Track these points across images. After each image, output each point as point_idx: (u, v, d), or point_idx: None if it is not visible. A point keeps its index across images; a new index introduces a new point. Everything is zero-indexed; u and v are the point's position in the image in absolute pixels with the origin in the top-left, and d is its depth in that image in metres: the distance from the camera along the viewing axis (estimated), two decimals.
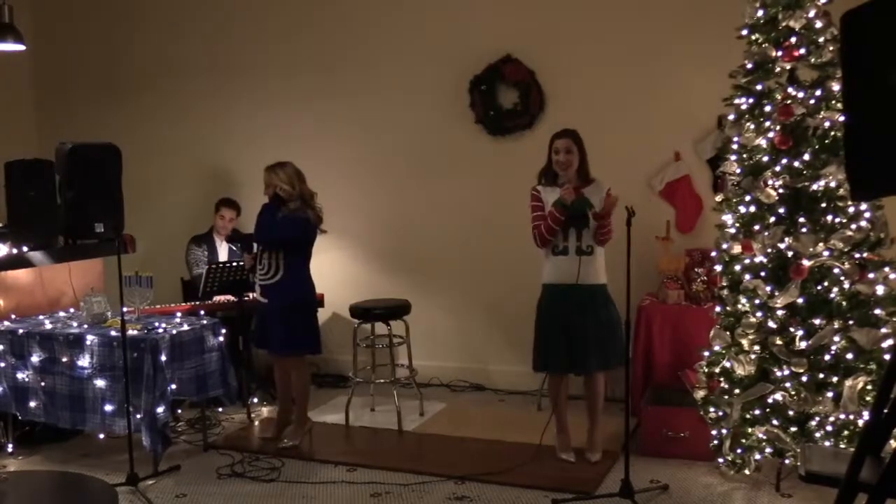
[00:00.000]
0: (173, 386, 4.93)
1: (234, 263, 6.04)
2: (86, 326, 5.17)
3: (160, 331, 5.00)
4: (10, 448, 5.23)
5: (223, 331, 5.33)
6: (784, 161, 4.35)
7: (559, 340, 4.82)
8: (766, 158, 4.42)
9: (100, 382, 4.93)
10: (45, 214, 5.43)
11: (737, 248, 4.51)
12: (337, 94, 6.87)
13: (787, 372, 4.29)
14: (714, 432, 4.59)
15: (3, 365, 5.18)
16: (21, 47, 6.17)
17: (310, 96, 6.96)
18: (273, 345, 5.32)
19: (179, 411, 5.78)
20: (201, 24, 7.28)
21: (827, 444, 4.22)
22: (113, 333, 4.93)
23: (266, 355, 5.83)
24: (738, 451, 4.47)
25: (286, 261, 5.19)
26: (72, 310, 5.65)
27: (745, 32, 4.51)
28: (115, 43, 7.61)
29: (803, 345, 4.27)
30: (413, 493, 4.60)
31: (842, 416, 4.21)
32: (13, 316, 5.43)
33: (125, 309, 4.80)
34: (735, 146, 4.55)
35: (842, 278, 4.27)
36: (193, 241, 6.65)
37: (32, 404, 5.13)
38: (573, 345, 4.79)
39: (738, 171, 4.54)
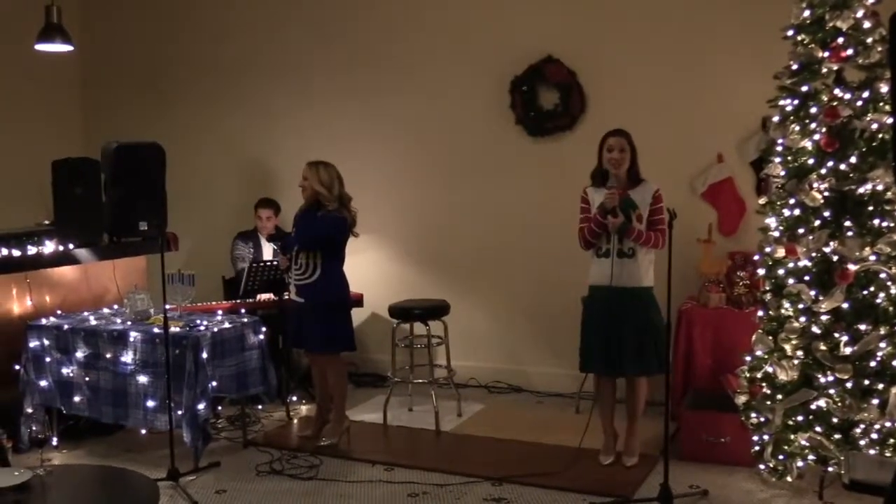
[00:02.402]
0: (214, 383, 4.98)
1: (275, 262, 6.08)
2: (129, 323, 5.24)
3: (202, 328, 5.05)
4: (54, 441, 5.32)
5: (263, 329, 5.38)
6: (830, 164, 4.28)
7: (598, 341, 4.82)
8: (811, 161, 4.35)
9: (142, 378, 4.99)
10: (91, 212, 5.52)
11: (780, 252, 4.45)
12: (378, 95, 6.90)
13: (831, 378, 4.22)
14: (755, 438, 4.54)
15: (48, 360, 5.27)
16: (69, 48, 6.28)
17: (351, 96, 6.99)
18: (310, 344, 5.35)
19: (220, 408, 5.84)
20: (245, 25, 7.35)
21: (872, 452, 4.14)
22: (156, 330, 4.99)
23: (305, 354, 5.87)
24: (780, 457, 4.41)
25: (323, 260, 5.23)
26: (116, 306, 5.73)
27: (790, 33, 4.45)
28: (160, 43, 7.71)
29: (848, 350, 4.20)
30: (450, 494, 4.60)
31: (888, 424, 4.13)
32: (59, 312, 5.52)
33: (168, 306, 4.86)
34: (779, 148, 4.49)
35: (888, 283, 4.20)
36: (239, 237, 6.72)
37: (76, 399, 5.21)
38: (610, 347, 4.77)
39: (783, 173, 4.48)
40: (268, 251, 6.66)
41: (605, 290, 4.77)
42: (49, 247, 5.35)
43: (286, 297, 6.02)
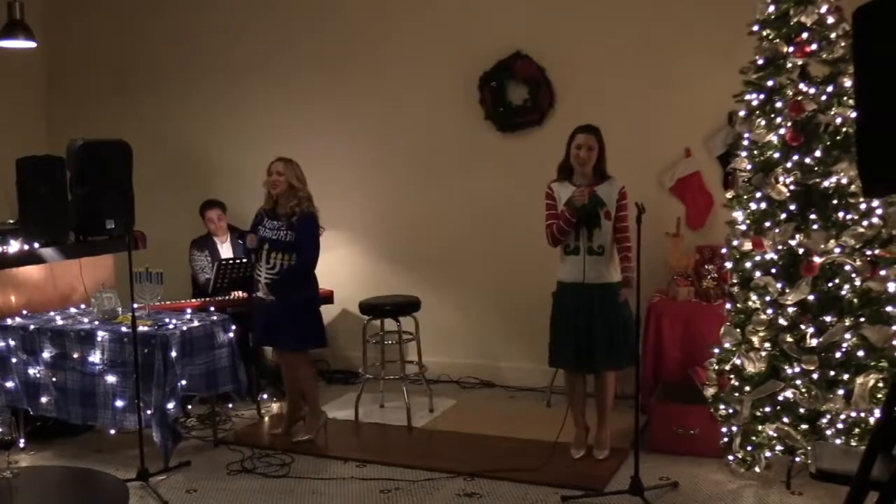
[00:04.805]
0: (183, 382, 4.95)
1: (244, 260, 6.04)
2: (97, 322, 5.18)
3: (170, 327, 5.01)
4: (21, 443, 5.24)
5: (233, 327, 5.34)
6: (795, 157, 4.34)
7: (569, 338, 4.83)
8: (777, 155, 4.40)
9: (111, 378, 4.94)
10: (57, 211, 5.45)
11: (747, 245, 4.49)
12: (348, 93, 6.87)
13: (797, 369, 4.28)
14: (724, 430, 4.58)
15: (14, 361, 5.20)
16: (32, 44, 6.20)
17: (320, 95, 6.95)
18: (282, 342, 5.33)
19: (190, 407, 5.78)
20: (213, 24, 7.28)
21: (838, 441, 4.20)
22: (124, 329, 4.94)
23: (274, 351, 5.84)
24: (749, 448, 4.46)
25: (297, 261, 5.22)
26: (83, 306, 5.67)
27: (756, 28, 4.49)
28: (126, 40, 7.62)
29: (814, 342, 4.26)
30: (422, 490, 4.60)
31: (853, 414, 4.19)
32: (25, 312, 5.45)
33: (136, 305, 4.82)
34: (746, 142, 4.54)
35: (853, 275, 4.26)
36: (194, 245, 6.64)
37: (44, 400, 5.15)
38: (580, 344, 4.79)
39: (749, 167, 4.52)
40: (225, 253, 6.60)
41: (577, 287, 4.77)
42: (14, 246, 5.27)
43: (256, 294, 5.99)
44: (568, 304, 4.86)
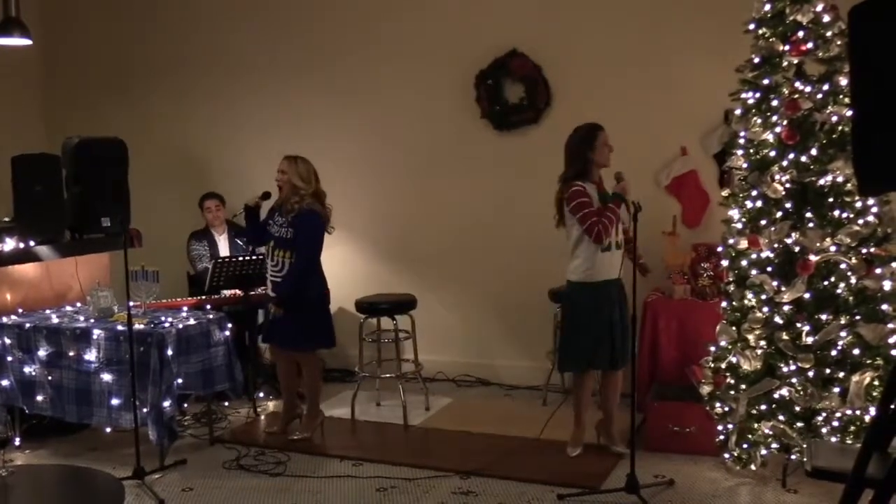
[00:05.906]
0: (179, 380, 4.94)
1: (241, 258, 6.04)
2: (92, 321, 5.17)
3: (166, 325, 5.00)
4: (17, 442, 5.24)
5: (229, 325, 5.34)
6: (791, 156, 4.34)
7: (605, 338, 4.79)
8: (772, 153, 4.41)
9: (106, 376, 4.94)
10: (52, 209, 5.44)
11: (743, 244, 4.50)
12: (344, 91, 6.87)
13: (793, 367, 4.28)
14: (720, 428, 4.59)
15: (10, 359, 5.19)
16: (27, 42, 6.18)
17: (316, 93, 6.95)
18: (287, 340, 5.33)
19: (185, 405, 5.78)
20: (209, 21, 7.27)
21: (833, 439, 4.21)
22: (119, 327, 4.94)
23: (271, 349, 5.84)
24: (744, 446, 4.47)
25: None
26: (78, 304, 5.66)
27: (752, 27, 4.50)
28: (123, 38, 7.61)
29: (810, 340, 4.27)
30: (419, 488, 4.60)
31: (848, 412, 4.20)
32: (20, 310, 5.44)
33: (131, 303, 4.81)
34: (742, 141, 4.54)
35: (849, 273, 4.27)
36: (193, 236, 6.67)
37: (39, 398, 5.14)
38: (615, 340, 4.79)
39: (745, 165, 4.53)
40: (223, 247, 6.62)
41: (611, 284, 4.77)
42: (9, 244, 5.26)
43: (260, 290, 5.98)
44: (604, 302, 4.79)
